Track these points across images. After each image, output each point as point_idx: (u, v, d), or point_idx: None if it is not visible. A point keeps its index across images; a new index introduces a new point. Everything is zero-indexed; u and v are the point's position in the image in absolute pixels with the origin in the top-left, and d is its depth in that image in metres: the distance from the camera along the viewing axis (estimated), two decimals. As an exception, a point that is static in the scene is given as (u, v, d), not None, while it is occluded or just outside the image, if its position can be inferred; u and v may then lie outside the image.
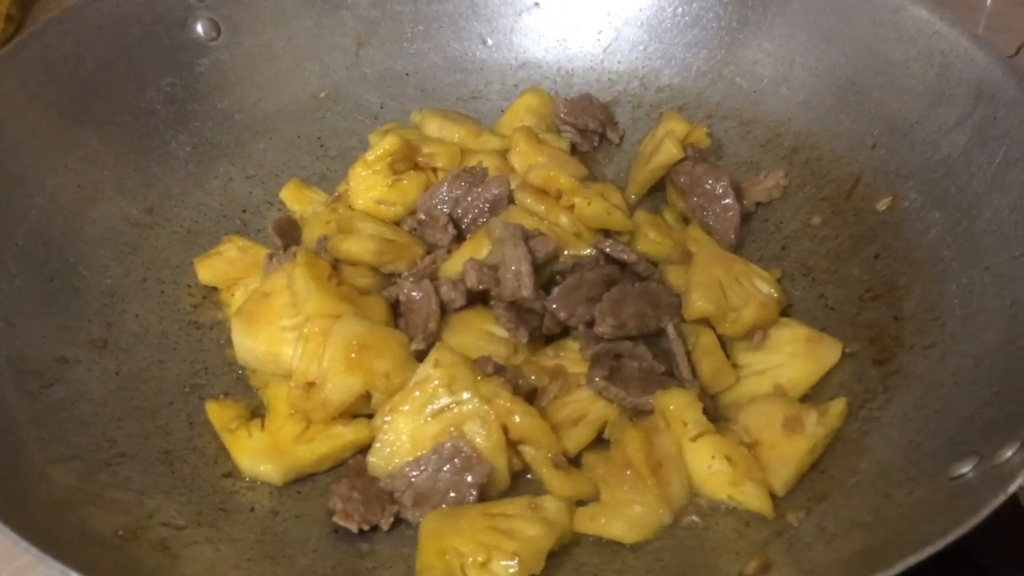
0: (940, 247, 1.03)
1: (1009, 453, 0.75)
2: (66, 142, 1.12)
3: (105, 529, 0.84)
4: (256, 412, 1.01)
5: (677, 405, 0.94)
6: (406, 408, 0.94)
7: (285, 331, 1.00)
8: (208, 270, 1.13)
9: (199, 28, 1.24)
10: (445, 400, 0.93)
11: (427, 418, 0.93)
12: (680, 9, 1.31)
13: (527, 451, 0.94)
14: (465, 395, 0.93)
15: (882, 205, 1.11)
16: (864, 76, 1.17)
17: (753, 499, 0.89)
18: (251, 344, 1.01)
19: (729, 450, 0.91)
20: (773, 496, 0.90)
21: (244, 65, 1.27)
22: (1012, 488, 0.71)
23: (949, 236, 1.02)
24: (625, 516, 0.88)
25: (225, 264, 1.13)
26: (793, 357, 1.01)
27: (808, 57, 1.22)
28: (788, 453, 0.92)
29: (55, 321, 1.01)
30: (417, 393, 0.94)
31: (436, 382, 0.94)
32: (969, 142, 1.04)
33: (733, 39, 1.28)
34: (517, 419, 0.92)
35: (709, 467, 0.91)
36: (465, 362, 0.95)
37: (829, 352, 1.01)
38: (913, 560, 0.70)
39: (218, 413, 0.99)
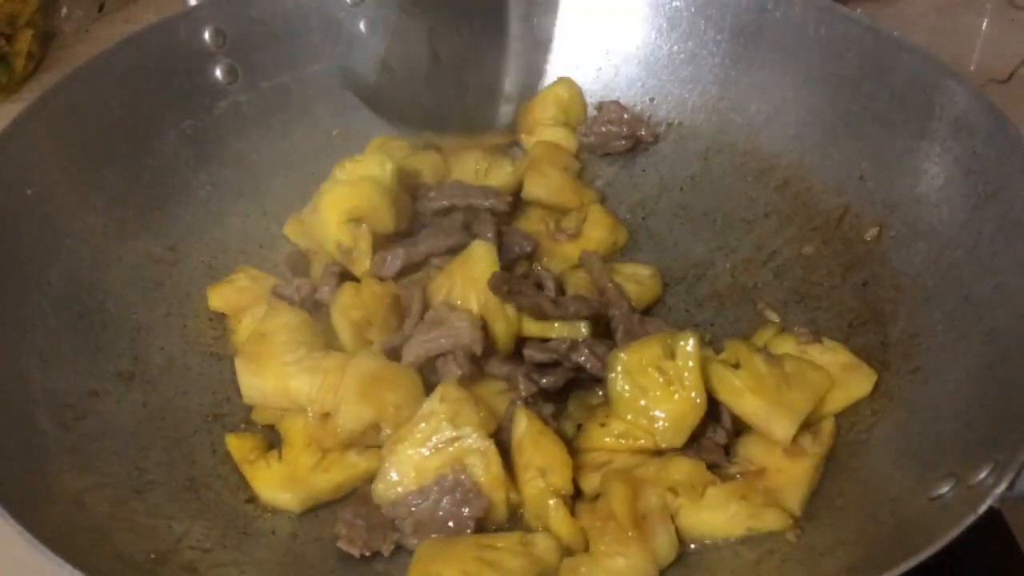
0: (924, 276, 1.08)
1: (983, 474, 0.79)
2: (94, 185, 1.16)
3: (138, 553, 0.89)
4: (273, 443, 1.04)
5: (682, 474, 0.95)
6: (411, 440, 0.96)
7: (289, 365, 1.04)
8: (219, 297, 1.17)
9: (218, 73, 1.29)
10: (449, 434, 0.96)
11: (431, 450, 0.96)
12: (676, 47, 1.36)
13: (537, 483, 0.95)
14: (467, 430, 0.96)
15: (870, 235, 1.16)
16: (851, 111, 1.22)
17: (772, 522, 0.92)
18: (259, 382, 1.04)
19: (742, 490, 0.93)
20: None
21: (260, 107, 1.32)
22: (984, 508, 0.75)
23: (932, 265, 1.07)
24: (607, 568, 0.88)
25: (236, 292, 1.17)
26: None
27: (798, 93, 1.27)
28: (797, 474, 0.95)
29: (86, 356, 1.06)
30: (423, 425, 0.97)
31: (441, 416, 0.96)
32: (950, 175, 1.09)
33: (727, 75, 1.33)
34: (545, 442, 0.95)
35: (727, 511, 0.92)
36: (468, 398, 0.98)
37: (862, 383, 1.02)
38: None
39: (237, 445, 1.03)
